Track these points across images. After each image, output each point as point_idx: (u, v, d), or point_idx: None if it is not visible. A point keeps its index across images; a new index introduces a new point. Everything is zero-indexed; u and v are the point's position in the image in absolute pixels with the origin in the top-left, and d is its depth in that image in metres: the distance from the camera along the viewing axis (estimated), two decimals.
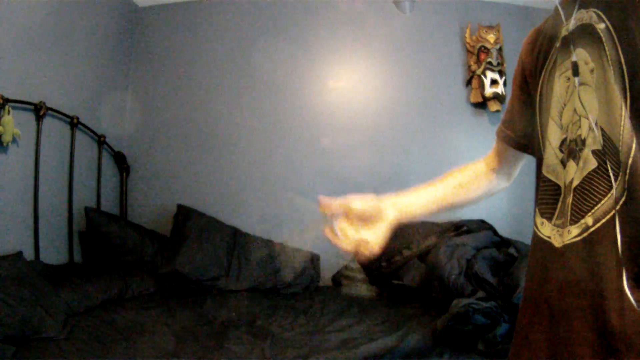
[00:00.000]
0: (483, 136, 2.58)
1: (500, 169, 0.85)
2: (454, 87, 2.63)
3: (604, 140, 0.51)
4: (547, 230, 0.60)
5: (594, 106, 0.53)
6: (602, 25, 0.52)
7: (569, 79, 0.57)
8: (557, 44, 0.60)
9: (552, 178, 0.61)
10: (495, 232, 2.21)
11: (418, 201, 0.83)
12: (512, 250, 1.97)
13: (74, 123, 2.14)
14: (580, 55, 0.55)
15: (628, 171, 0.48)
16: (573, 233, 0.54)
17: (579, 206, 0.54)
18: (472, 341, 1.39)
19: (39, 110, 1.90)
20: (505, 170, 0.85)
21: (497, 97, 2.45)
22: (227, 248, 2.27)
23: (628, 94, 0.48)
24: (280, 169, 2.62)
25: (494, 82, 2.44)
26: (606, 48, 0.51)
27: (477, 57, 2.52)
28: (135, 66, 2.75)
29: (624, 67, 0.49)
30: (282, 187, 2.60)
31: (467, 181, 0.85)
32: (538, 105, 0.65)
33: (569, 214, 0.55)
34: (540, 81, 0.64)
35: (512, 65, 2.75)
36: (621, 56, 0.49)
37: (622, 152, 0.49)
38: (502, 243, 2.11)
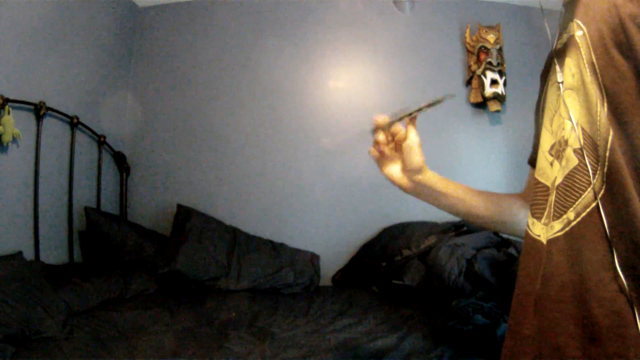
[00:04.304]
0: (483, 136, 2.59)
1: None
2: (454, 87, 2.63)
3: (584, 138, 0.54)
4: (537, 229, 0.62)
5: (576, 108, 0.56)
6: (579, 32, 0.56)
7: (558, 88, 0.60)
8: (551, 58, 0.64)
9: (542, 180, 0.63)
10: (495, 232, 2.21)
11: (451, 188, 0.78)
12: (512, 250, 1.96)
13: (74, 123, 2.14)
14: (567, 63, 0.59)
15: (606, 164, 0.51)
16: (556, 228, 0.56)
17: (561, 202, 0.56)
18: (472, 341, 1.39)
19: (39, 110, 1.90)
20: None
21: (497, 97, 2.45)
22: (227, 248, 2.27)
23: (603, 91, 0.52)
24: (281, 168, 2.62)
25: (494, 82, 2.44)
26: (582, 52, 0.55)
27: (477, 57, 2.52)
28: (135, 66, 2.75)
29: (596, 66, 0.52)
30: (282, 187, 2.60)
31: (499, 200, 0.81)
32: (540, 116, 0.69)
33: (552, 210, 0.57)
34: (542, 94, 0.68)
35: (512, 65, 2.77)
36: (593, 56, 0.53)
37: (600, 147, 0.52)
38: (502, 243, 2.11)
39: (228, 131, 2.65)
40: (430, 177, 0.77)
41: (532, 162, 0.79)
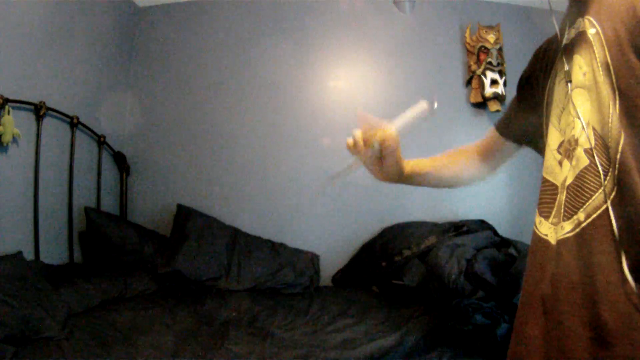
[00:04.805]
0: (483, 136, 2.58)
1: (488, 159, 0.90)
2: (454, 87, 2.63)
3: (595, 138, 0.53)
4: (544, 228, 0.61)
5: (586, 107, 0.55)
6: (592, 30, 0.54)
7: (566, 84, 0.59)
8: (560, 53, 0.63)
9: (551, 179, 0.62)
10: (495, 232, 2.21)
11: (416, 163, 0.91)
12: (512, 250, 1.97)
13: (74, 123, 2.14)
14: (576, 60, 0.57)
15: (617, 166, 0.50)
16: (566, 229, 0.55)
17: (572, 203, 0.55)
18: (472, 341, 1.39)
19: (39, 110, 1.90)
20: (492, 161, 0.91)
21: (497, 97, 2.45)
22: (227, 248, 2.27)
23: (617, 92, 0.50)
24: (281, 168, 2.62)
25: (494, 82, 2.44)
26: (595, 51, 0.53)
27: (477, 57, 2.52)
28: (135, 66, 2.75)
29: (611, 67, 0.51)
30: (282, 187, 2.60)
31: (459, 160, 0.93)
32: (545, 111, 0.67)
33: (562, 210, 0.57)
34: (547, 89, 0.67)
35: (512, 65, 2.76)
36: (608, 57, 0.51)
37: (611, 148, 0.51)
38: (502, 243, 2.11)
39: (228, 131, 2.65)
40: (408, 173, 0.89)
41: (498, 127, 0.86)
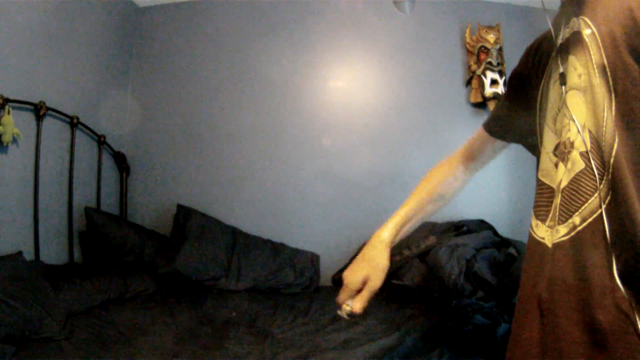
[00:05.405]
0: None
1: (476, 161, 0.90)
2: (454, 87, 2.63)
3: (591, 141, 0.52)
4: (541, 231, 0.61)
5: (582, 109, 0.54)
6: (588, 31, 0.54)
7: (561, 86, 0.59)
8: (553, 53, 0.62)
9: (547, 182, 0.62)
10: (495, 232, 2.21)
11: (403, 222, 0.90)
12: (512, 250, 1.97)
13: (74, 123, 2.14)
14: (571, 61, 0.57)
15: (611, 170, 0.49)
16: (561, 232, 0.55)
17: (567, 206, 0.55)
18: (472, 341, 1.39)
19: (39, 110, 1.90)
20: (478, 162, 0.90)
21: (497, 97, 2.45)
22: (227, 248, 2.27)
23: (613, 95, 0.50)
24: (281, 168, 2.62)
25: (494, 82, 2.44)
26: (591, 52, 0.53)
27: (477, 57, 2.52)
28: (135, 66, 2.75)
29: (607, 69, 0.50)
30: (282, 187, 2.60)
31: (444, 188, 0.92)
32: (538, 112, 0.67)
33: (557, 214, 0.56)
34: (540, 89, 0.66)
35: (512, 66, 2.76)
36: (604, 59, 0.51)
37: (605, 152, 0.50)
38: (502, 243, 2.11)
39: (228, 131, 2.65)
40: (394, 236, 0.91)
41: (487, 126, 0.85)
